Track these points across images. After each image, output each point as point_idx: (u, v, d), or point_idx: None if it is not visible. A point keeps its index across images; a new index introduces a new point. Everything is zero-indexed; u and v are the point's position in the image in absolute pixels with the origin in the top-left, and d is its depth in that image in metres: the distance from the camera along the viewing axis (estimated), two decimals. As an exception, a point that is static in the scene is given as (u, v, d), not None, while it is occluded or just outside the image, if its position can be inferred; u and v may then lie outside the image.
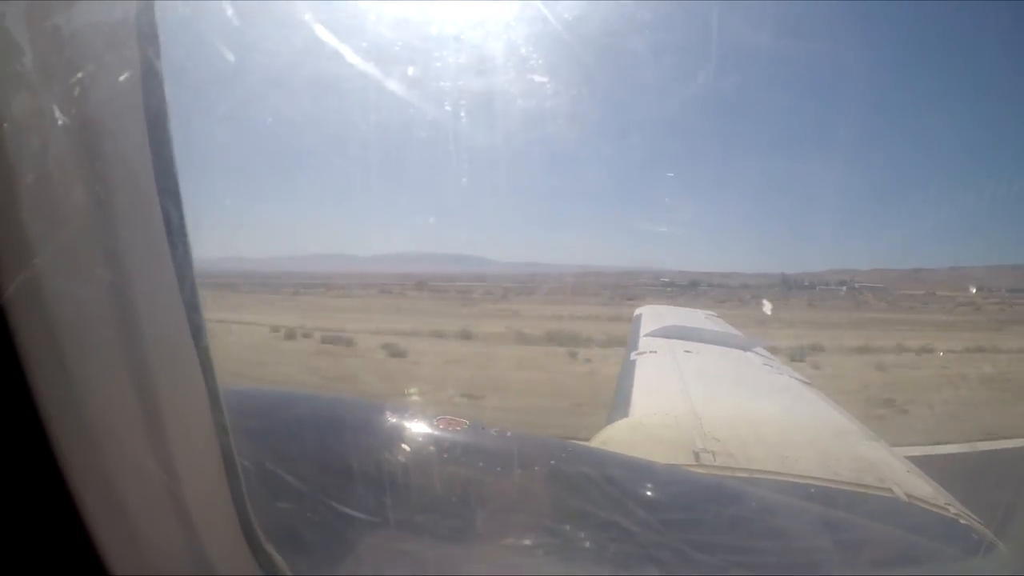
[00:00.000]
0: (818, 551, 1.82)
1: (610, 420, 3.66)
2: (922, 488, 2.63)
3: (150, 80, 1.01)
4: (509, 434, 2.15)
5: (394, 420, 1.97)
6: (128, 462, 0.98)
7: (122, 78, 0.99)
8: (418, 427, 1.94)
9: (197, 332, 1.09)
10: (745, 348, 6.43)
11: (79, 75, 0.94)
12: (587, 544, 1.65)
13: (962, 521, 2.35)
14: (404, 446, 1.87)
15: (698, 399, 3.83)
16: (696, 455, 2.78)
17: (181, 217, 1.06)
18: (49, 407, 0.87)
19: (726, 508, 1.94)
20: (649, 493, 1.91)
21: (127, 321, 0.97)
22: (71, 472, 0.89)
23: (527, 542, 1.66)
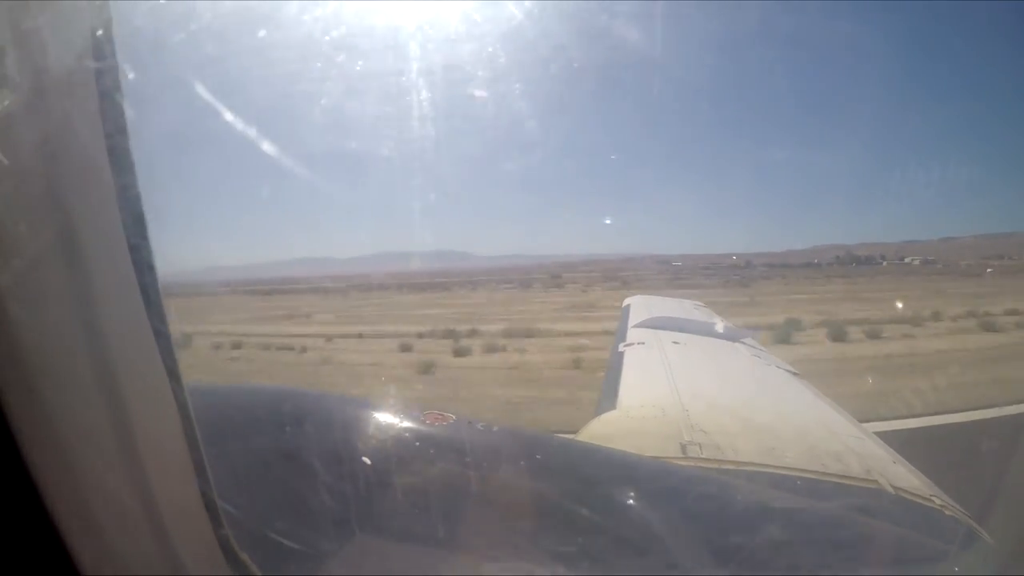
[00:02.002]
0: (803, 544, 1.81)
1: (598, 412, 3.65)
2: (908, 480, 2.63)
3: (105, 75, 1.00)
4: (495, 429, 2.13)
5: (381, 415, 1.94)
6: (99, 472, 0.98)
7: (80, 79, 0.98)
8: (405, 422, 1.91)
9: (162, 340, 1.08)
10: (734, 339, 6.43)
11: (37, 77, 0.92)
12: (572, 539, 1.62)
13: (948, 513, 2.35)
14: (390, 441, 1.85)
15: (686, 391, 3.82)
16: (683, 447, 2.78)
17: (142, 223, 1.05)
18: (18, 419, 0.86)
19: (711, 502, 1.93)
20: (634, 488, 1.89)
21: (92, 331, 0.97)
22: (43, 483, 0.89)
23: (513, 537, 1.64)
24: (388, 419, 1.94)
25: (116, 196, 1.01)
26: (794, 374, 5.11)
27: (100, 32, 0.99)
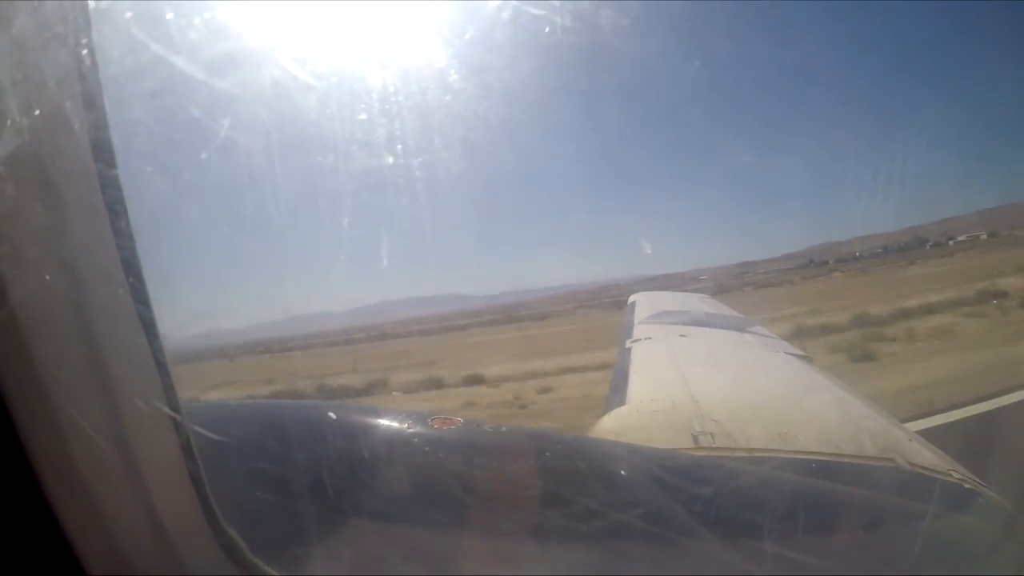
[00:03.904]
0: (822, 525, 1.79)
1: (607, 409, 3.66)
2: (925, 456, 2.61)
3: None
4: (504, 429, 2.13)
5: (388, 422, 1.94)
6: (101, 478, 1.02)
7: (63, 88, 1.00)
8: (413, 428, 1.90)
9: (158, 355, 1.11)
10: (741, 328, 6.41)
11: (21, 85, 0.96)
12: (591, 534, 1.61)
13: (967, 486, 2.33)
14: (400, 447, 1.84)
15: (695, 382, 3.81)
16: (695, 438, 2.77)
17: (132, 242, 1.09)
18: (27, 428, 0.91)
19: (725, 489, 1.92)
20: (648, 479, 1.88)
21: (93, 346, 1.01)
22: (50, 490, 0.93)
23: (532, 535, 1.63)
24: (398, 425, 1.93)
25: (108, 222, 1.04)
26: (803, 358, 5.09)
27: (81, 39, 1.02)
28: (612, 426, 3.23)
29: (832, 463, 2.44)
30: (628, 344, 5.45)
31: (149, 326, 1.09)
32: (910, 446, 2.74)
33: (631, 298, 9.28)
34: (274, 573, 1.24)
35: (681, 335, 5.76)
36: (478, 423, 2.06)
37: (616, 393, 3.95)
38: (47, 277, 0.97)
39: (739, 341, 5.93)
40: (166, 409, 1.11)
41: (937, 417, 9.02)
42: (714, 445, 2.67)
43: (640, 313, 7.29)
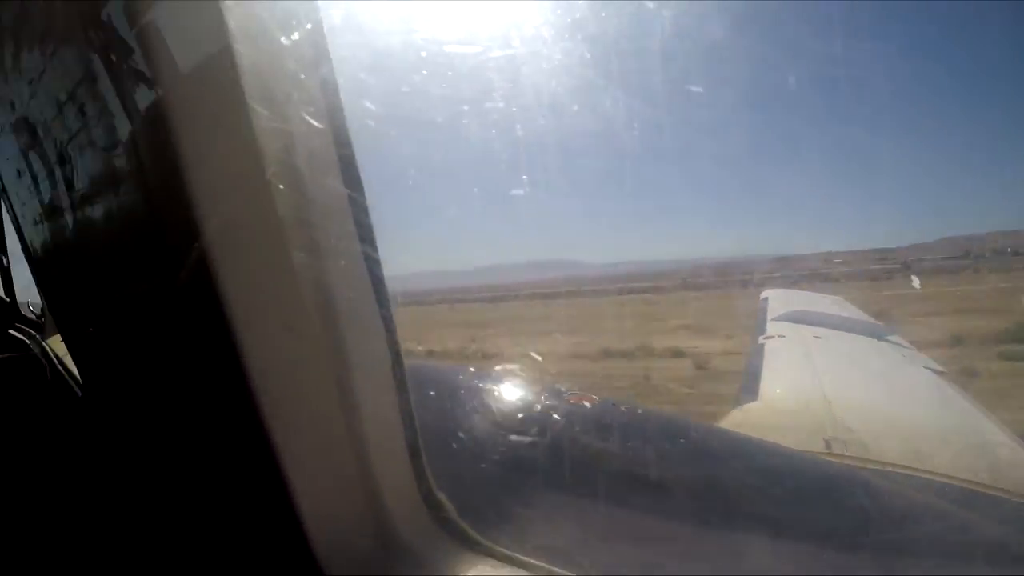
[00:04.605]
0: (951, 554, 1.72)
1: (739, 402, 3.74)
2: None
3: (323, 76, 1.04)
4: (640, 411, 2.19)
5: (531, 393, 1.96)
6: (328, 436, 1.09)
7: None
8: (554, 400, 1.91)
9: (388, 323, 1.15)
10: (879, 336, 6.22)
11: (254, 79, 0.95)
12: (733, 527, 1.48)
13: None
14: (556, 416, 1.83)
15: (829, 386, 3.80)
16: (827, 443, 2.79)
17: (367, 213, 1.12)
18: (265, 398, 0.99)
19: (863, 500, 1.82)
20: (792, 481, 1.84)
21: (327, 312, 1.05)
22: (282, 458, 1.02)
23: (678, 522, 1.52)
24: (542, 397, 1.94)
25: (346, 195, 1.07)
26: (942, 373, 4.93)
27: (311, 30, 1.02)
28: (743, 420, 3.31)
29: (967, 491, 2.27)
30: (761, 340, 5.48)
31: (379, 286, 1.12)
32: None
33: (763, 294, 9.07)
34: (483, 540, 1.24)
35: (816, 336, 5.69)
36: (613, 403, 2.05)
37: (748, 387, 4.03)
38: (302, 259, 1.01)
39: (876, 349, 5.76)
40: (393, 373, 1.15)
41: None
42: (847, 453, 2.69)
43: (773, 310, 7.19)
